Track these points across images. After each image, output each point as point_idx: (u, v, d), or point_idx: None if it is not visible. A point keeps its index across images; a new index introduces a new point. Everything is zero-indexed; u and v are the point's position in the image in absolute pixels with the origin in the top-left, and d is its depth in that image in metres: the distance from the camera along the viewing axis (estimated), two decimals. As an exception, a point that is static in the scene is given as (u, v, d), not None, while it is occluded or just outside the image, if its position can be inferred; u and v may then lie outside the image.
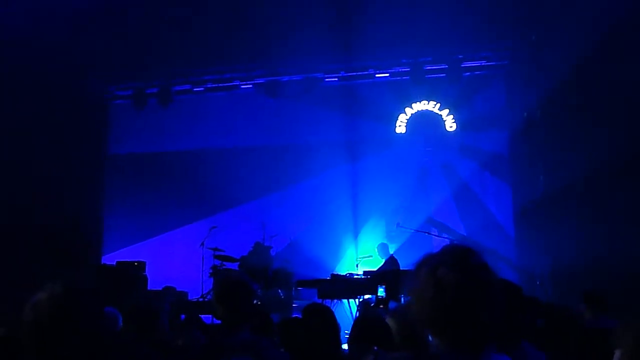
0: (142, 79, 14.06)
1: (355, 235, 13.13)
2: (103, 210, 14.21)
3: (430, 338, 1.85)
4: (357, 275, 11.04)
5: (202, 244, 12.11)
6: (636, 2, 9.55)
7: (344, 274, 11.24)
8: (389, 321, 3.59)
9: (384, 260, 11.36)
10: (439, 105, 13.23)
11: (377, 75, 13.37)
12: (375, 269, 11.13)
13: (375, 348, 3.40)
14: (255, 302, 3.51)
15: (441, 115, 13.20)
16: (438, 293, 1.75)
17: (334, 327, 3.90)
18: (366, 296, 10.30)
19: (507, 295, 2.74)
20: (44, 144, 12.11)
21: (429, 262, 1.83)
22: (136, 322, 4.11)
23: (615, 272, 8.74)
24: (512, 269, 11.60)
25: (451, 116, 13.14)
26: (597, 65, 9.90)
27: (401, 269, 10.75)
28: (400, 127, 13.36)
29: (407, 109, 13.37)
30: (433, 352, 1.82)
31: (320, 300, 10.00)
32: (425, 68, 12.81)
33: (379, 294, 10.22)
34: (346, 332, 4.40)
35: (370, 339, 3.53)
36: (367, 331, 3.70)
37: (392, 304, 9.27)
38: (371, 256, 11.93)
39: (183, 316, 8.12)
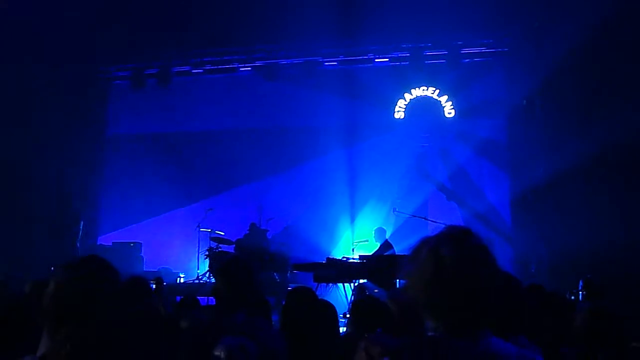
0: (141, 59, 13.98)
1: (352, 219, 13.14)
2: (100, 190, 14.18)
3: (427, 322, 1.83)
4: (353, 259, 11.03)
5: (198, 225, 12.13)
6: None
7: (340, 258, 11.23)
8: (390, 304, 3.56)
9: (379, 245, 11.35)
10: (438, 91, 13.21)
11: (376, 60, 13.34)
12: (371, 254, 11.12)
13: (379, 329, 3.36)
14: (254, 282, 3.48)
15: (440, 101, 13.18)
16: (438, 272, 1.75)
17: (316, 309, 3.83)
18: (361, 280, 10.30)
19: (509, 285, 2.73)
20: (43, 122, 12.07)
21: (429, 243, 1.82)
22: (138, 300, 4.04)
23: (613, 259, 8.78)
24: (508, 255, 11.63)
25: (450, 102, 13.12)
26: (597, 52, 9.89)
27: (396, 253, 10.75)
28: (399, 113, 13.35)
29: (406, 95, 13.35)
30: (431, 336, 1.80)
31: (315, 285, 10.01)
32: (425, 54, 12.77)
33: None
34: (341, 315, 4.37)
35: (372, 322, 3.51)
36: (368, 314, 3.67)
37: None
38: (367, 240, 11.92)
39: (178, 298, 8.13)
